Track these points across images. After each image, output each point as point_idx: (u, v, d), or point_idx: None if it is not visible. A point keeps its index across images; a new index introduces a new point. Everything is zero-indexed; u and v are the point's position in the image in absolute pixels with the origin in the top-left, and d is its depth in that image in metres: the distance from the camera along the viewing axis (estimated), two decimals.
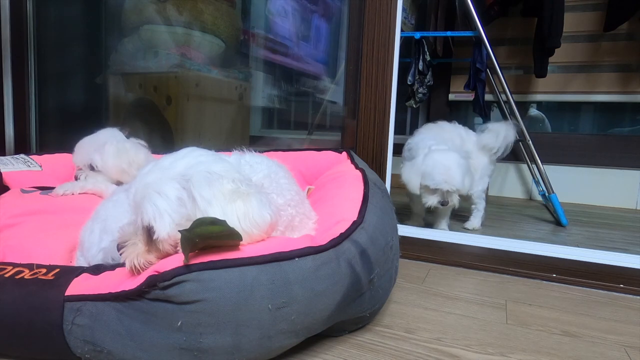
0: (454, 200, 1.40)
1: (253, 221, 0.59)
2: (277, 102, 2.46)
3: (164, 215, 0.56)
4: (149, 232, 0.58)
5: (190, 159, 0.61)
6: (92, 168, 1.06)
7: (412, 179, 1.41)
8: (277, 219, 0.65)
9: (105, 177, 1.07)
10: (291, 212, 0.70)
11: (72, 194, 1.02)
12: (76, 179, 1.08)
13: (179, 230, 0.53)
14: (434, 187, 1.37)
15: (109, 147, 1.05)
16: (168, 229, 0.56)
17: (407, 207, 1.63)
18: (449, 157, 1.39)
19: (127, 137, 1.14)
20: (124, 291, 0.56)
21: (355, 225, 0.69)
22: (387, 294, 0.78)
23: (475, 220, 1.60)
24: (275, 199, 0.68)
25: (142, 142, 1.13)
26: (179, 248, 0.56)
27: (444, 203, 1.38)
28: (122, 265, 0.60)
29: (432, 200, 1.39)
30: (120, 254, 0.60)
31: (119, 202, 0.80)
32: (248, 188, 0.61)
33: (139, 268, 0.58)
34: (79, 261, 0.80)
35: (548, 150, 2.18)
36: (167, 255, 0.58)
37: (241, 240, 0.57)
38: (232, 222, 0.56)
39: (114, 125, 1.17)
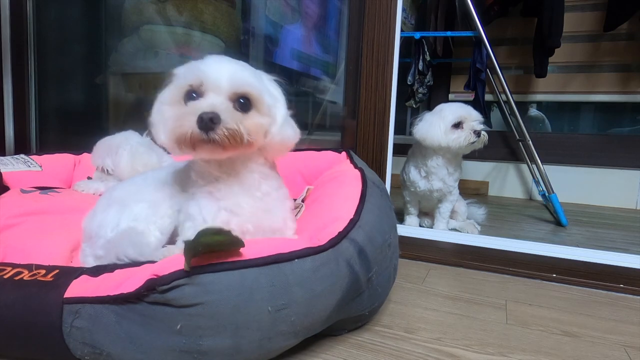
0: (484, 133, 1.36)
1: None
2: None
3: None
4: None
5: None
6: (107, 171, 1.11)
7: (433, 128, 1.35)
8: None
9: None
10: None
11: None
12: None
13: (183, 241, 0.53)
14: (456, 121, 1.33)
15: (122, 151, 1.08)
16: None
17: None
18: (460, 104, 1.39)
19: (145, 137, 1.16)
20: (122, 294, 0.55)
21: (352, 224, 0.69)
22: (386, 292, 0.78)
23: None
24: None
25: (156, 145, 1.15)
26: None
27: (477, 132, 1.33)
28: (121, 267, 0.60)
29: (464, 135, 1.33)
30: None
31: (137, 183, 0.80)
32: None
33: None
34: (85, 252, 0.79)
35: (548, 150, 2.18)
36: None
37: (243, 247, 0.57)
38: None
39: (115, 125, 1.17)
